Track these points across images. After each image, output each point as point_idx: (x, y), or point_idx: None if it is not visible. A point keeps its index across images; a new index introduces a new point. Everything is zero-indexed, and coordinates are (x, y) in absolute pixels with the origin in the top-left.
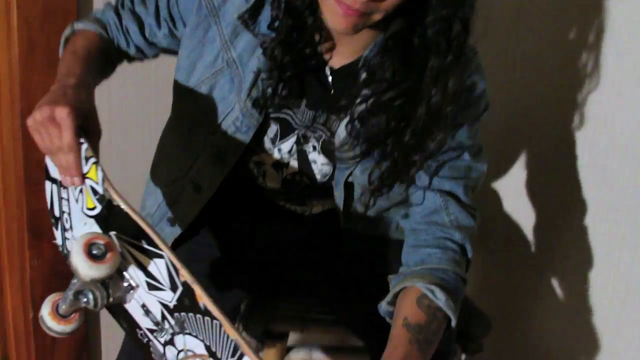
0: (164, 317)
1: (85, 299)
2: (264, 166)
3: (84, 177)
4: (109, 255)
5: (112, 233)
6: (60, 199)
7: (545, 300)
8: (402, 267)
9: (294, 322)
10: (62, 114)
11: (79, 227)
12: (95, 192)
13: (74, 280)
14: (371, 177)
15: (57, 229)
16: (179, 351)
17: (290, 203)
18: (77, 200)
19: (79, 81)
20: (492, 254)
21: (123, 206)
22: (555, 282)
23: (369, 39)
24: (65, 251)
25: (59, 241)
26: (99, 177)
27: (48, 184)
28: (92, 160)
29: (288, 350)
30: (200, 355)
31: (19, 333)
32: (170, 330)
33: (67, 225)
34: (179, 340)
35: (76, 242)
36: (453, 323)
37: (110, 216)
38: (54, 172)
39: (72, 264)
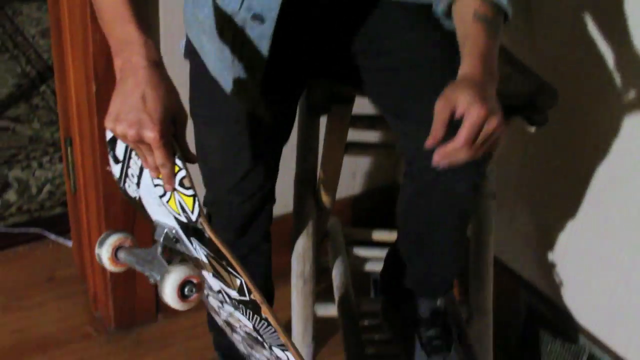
0: (220, 292)
1: (152, 280)
2: None
3: (174, 189)
4: (195, 295)
5: (193, 239)
6: (130, 157)
7: (613, 80)
8: None
9: (357, 86)
10: (151, 138)
11: (151, 200)
12: (183, 209)
13: (152, 269)
14: None
15: (116, 163)
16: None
17: None
18: (155, 185)
19: (151, 60)
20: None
21: (215, 241)
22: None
23: None
24: (121, 185)
25: (115, 174)
26: (195, 210)
27: None
28: (191, 192)
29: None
30: (246, 326)
31: (82, 110)
32: (222, 299)
33: (134, 180)
34: (228, 307)
35: (171, 278)
36: (509, 16)
37: (194, 232)
38: None
39: (163, 297)
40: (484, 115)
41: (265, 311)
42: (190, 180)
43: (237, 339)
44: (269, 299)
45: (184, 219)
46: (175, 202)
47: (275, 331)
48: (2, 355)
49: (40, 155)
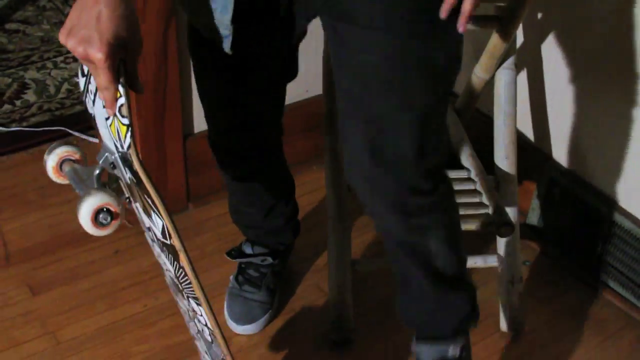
0: (150, 229)
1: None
2: None
3: (115, 114)
4: (112, 223)
5: (127, 168)
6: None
7: None
8: None
9: None
10: (96, 58)
11: (100, 121)
12: (119, 136)
13: (82, 189)
14: None
15: (82, 76)
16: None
17: None
18: (104, 107)
19: None
20: None
21: (141, 174)
22: None
23: None
24: (84, 98)
25: (80, 86)
26: (127, 140)
27: None
28: (126, 121)
29: None
30: (170, 272)
31: None
32: (152, 238)
33: (91, 97)
34: (156, 248)
35: (87, 202)
36: None
37: (126, 160)
38: None
39: (78, 219)
40: None
41: (182, 259)
42: (128, 109)
43: (166, 280)
44: (291, 190)
45: (119, 146)
46: (115, 128)
47: (190, 283)
48: (39, 249)
49: (54, 56)
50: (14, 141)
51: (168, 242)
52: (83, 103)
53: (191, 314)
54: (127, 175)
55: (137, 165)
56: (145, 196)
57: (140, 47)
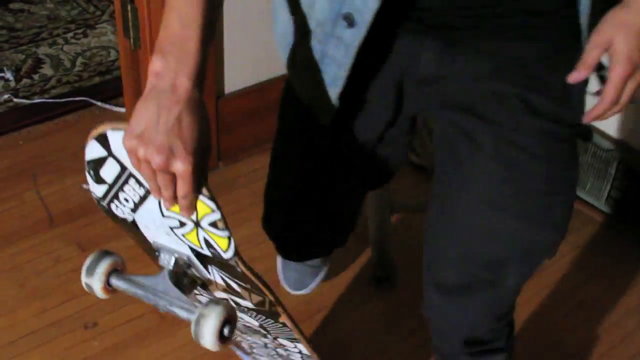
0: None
1: (162, 310)
2: None
3: (199, 225)
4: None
5: (214, 267)
6: (125, 183)
7: None
8: None
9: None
10: (182, 170)
11: (152, 226)
12: (210, 246)
13: (168, 303)
14: None
15: (94, 181)
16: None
17: None
18: (165, 216)
19: (196, 82)
20: None
21: (250, 276)
22: None
23: None
24: (104, 203)
25: (97, 193)
26: (230, 250)
27: (98, 147)
28: (226, 234)
29: None
30: (247, 322)
31: None
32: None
33: (128, 205)
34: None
35: (210, 324)
36: None
37: (217, 262)
38: (120, 151)
39: (200, 341)
40: (629, 75)
41: (284, 318)
42: (225, 222)
43: None
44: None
45: (207, 253)
46: (198, 238)
47: (290, 330)
48: (81, 210)
49: (63, 32)
50: (37, 113)
51: (265, 309)
52: (100, 206)
53: (271, 344)
54: (211, 270)
55: (244, 269)
56: (244, 284)
57: (211, 150)
